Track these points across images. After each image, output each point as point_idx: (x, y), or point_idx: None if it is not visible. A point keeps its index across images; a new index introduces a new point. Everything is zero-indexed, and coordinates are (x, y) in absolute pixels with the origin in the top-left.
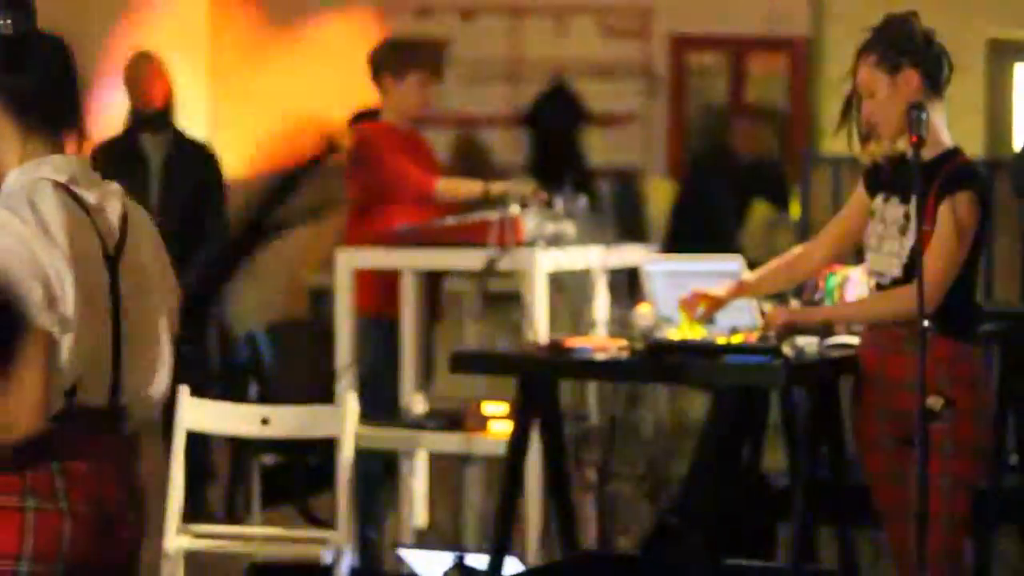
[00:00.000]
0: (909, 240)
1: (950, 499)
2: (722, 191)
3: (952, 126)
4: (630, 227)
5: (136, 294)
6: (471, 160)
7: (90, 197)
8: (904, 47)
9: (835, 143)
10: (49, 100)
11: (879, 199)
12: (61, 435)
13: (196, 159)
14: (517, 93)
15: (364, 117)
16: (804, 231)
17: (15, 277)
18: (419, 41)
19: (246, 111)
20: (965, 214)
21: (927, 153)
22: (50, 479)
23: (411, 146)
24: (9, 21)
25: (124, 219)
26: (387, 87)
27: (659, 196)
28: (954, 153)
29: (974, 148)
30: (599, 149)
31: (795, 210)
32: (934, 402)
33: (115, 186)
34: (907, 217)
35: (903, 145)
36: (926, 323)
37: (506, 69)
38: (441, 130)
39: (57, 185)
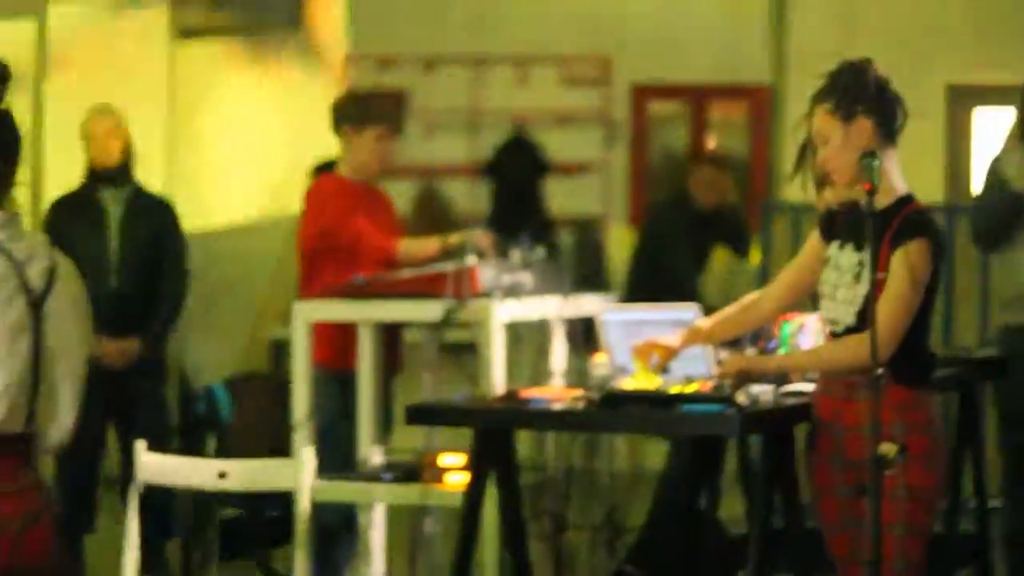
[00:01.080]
0: (863, 288)
1: (903, 546)
2: (682, 239)
3: (911, 171)
4: (590, 276)
5: (56, 337)
6: (431, 211)
7: (18, 251)
8: (858, 95)
9: (796, 191)
10: (7, 165)
11: (834, 246)
12: None
13: (155, 213)
14: (477, 143)
15: (325, 168)
16: (764, 278)
17: None
18: (380, 94)
19: (205, 164)
20: (918, 262)
21: (881, 200)
22: None
23: (368, 201)
24: None
25: (51, 271)
26: (347, 140)
27: (619, 244)
28: (908, 200)
29: (934, 193)
30: (560, 198)
31: (755, 258)
32: (888, 449)
33: (42, 237)
34: (861, 264)
35: (857, 192)
36: (879, 371)
37: (466, 119)
38: (402, 180)
39: None
